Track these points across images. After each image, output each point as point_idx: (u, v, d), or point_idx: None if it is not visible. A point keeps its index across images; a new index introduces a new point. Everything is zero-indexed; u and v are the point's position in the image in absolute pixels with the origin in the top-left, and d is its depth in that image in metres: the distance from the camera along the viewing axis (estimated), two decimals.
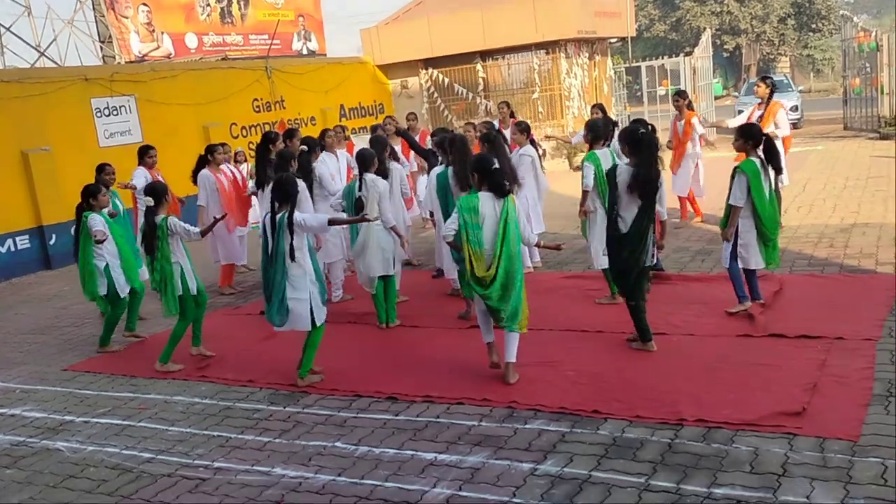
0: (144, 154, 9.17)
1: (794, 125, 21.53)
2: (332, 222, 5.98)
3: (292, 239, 5.65)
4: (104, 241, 7.06)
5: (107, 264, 7.15)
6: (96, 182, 7.70)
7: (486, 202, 5.36)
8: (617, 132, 7.35)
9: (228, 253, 9.35)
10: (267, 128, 16.01)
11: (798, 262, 7.89)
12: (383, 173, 7.39)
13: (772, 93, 9.34)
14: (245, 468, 4.71)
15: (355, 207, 7.02)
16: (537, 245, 5.81)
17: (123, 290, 7.29)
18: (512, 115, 11.24)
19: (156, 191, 6.48)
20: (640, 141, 5.72)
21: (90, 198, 7.22)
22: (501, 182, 5.39)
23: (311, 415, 5.42)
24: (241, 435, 5.21)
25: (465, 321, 7.02)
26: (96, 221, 7.10)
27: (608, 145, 7.22)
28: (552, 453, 4.44)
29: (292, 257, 5.66)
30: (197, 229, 6.63)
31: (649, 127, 6.51)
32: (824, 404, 4.66)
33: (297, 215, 5.72)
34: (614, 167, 5.77)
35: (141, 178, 8.92)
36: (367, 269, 7.08)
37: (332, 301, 8.12)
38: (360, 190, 7.03)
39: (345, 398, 5.65)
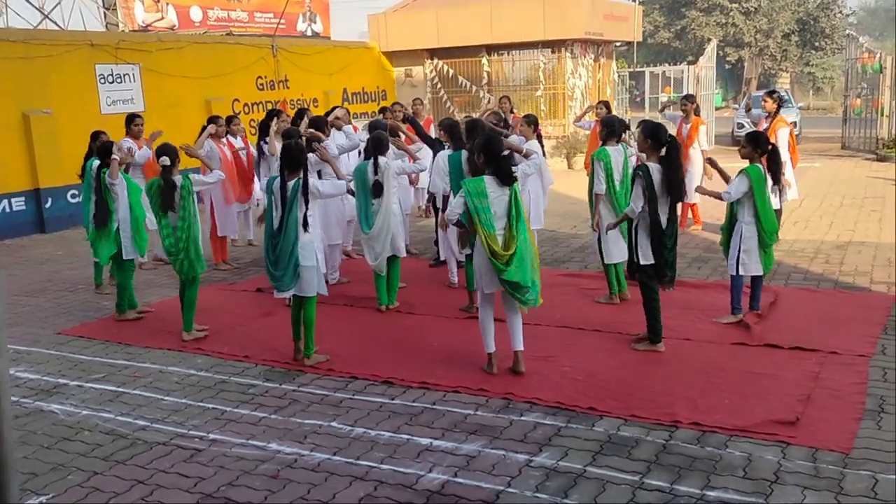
0: (130, 122, 9.11)
1: None
2: (350, 191, 6.11)
3: (307, 208, 5.67)
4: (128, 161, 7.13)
5: (117, 227, 7.15)
6: (91, 149, 7.68)
7: (492, 184, 5.36)
8: (627, 133, 7.40)
9: (223, 225, 9.34)
10: (269, 106, 15.96)
11: (794, 276, 7.96)
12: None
13: (779, 108, 9.37)
14: (240, 442, 4.73)
15: (373, 191, 7.04)
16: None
17: (129, 254, 7.24)
18: (512, 111, 11.29)
19: (169, 149, 6.51)
20: (667, 142, 5.76)
21: (106, 156, 7.21)
22: (508, 170, 5.39)
23: (306, 393, 5.44)
24: (237, 409, 5.22)
25: (463, 313, 7.04)
26: (109, 179, 7.10)
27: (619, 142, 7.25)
28: (547, 446, 4.48)
29: (305, 227, 5.68)
30: (216, 173, 6.91)
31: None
32: (817, 416, 4.73)
33: (313, 182, 5.75)
34: (645, 166, 5.77)
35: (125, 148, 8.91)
36: (383, 251, 7.11)
37: (328, 283, 8.13)
38: (375, 174, 7.05)
39: (340, 379, 5.67)
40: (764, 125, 9.30)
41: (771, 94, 9.57)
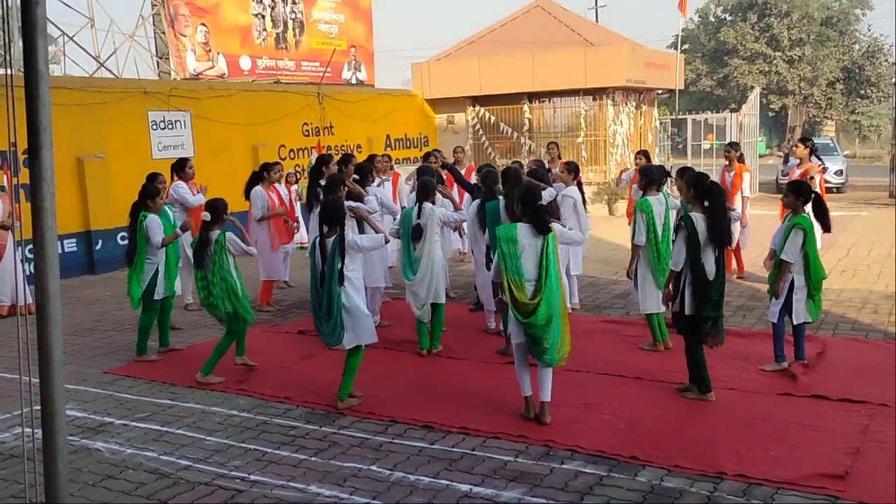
0: (184, 166, 9.32)
1: (838, 189, 21.43)
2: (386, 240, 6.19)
3: (343, 264, 5.73)
4: (165, 244, 7.27)
5: (157, 267, 7.31)
6: (148, 190, 7.83)
7: (524, 233, 5.41)
8: (669, 181, 7.39)
9: (270, 270, 9.49)
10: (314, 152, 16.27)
11: (841, 326, 7.81)
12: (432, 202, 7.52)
13: (811, 154, 9.27)
14: (281, 483, 4.75)
15: (413, 235, 7.13)
16: None
17: (160, 294, 7.39)
18: (560, 157, 11.39)
19: (216, 207, 6.69)
20: (709, 190, 5.76)
21: (149, 199, 7.36)
22: (544, 219, 5.43)
23: (346, 436, 5.46)
24: (278, 450, 5.26)
25: (503, 356, 7.03)
26: (153, 223, 7.23)
27: (660, 191, 7.26)
28: (589, 495, 4.43)
29: (341, 282, 5.74)
30: (251, 248, 6.95)
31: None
32: (867, 469, 4.61)
33: (350, 237, 5.83)
34: (689, 217, 5.75)
35: (188, 193, 9.15)
36: (427, 299, 7.20)
37: None
38: (418, 217, 7.14)
39: (381, 423, 5.68)
40: (796, 172, 9.20)
41: (804, 141, 9.50)
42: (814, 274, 6.27)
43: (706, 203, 5.76)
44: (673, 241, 6.04)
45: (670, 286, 5.97)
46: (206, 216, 6.65)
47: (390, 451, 5.18)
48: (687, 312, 5.80)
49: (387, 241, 6.44)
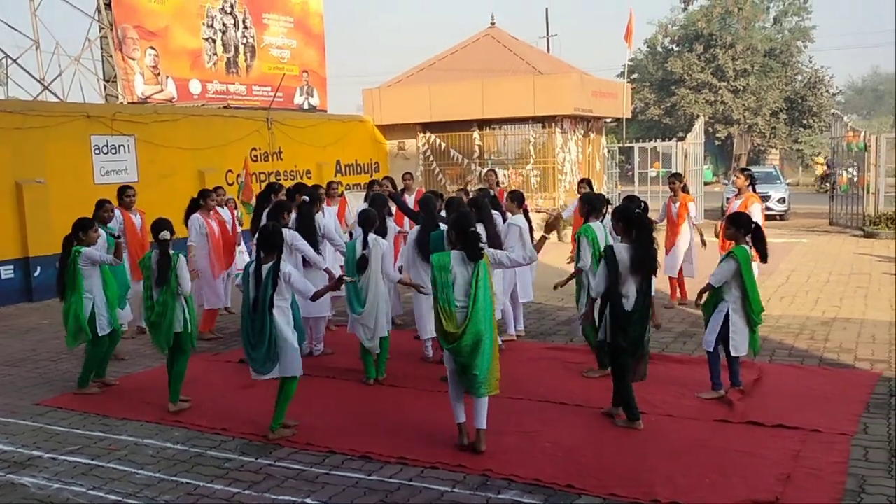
0: (122, 194, 9.25)
1: (781, 217, 21.97)
2: (316, 295, 5.97)
3: (274, 290, 5.67)
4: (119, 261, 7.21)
5: (93, 302, 7.04)
6: (94, 217, 7.66)
7: (457, 261, 5.45)
8: (610, 209, 7.48)
9: (212, 297, 9.35)
10: (263, 177, 16.17)
11: (779, 352, 7.95)
12: (382, 232, 7.49)
13: (750, 185, 9.43)
14: None
15: (358, 266, 7.08)
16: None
17: (104, 329, 7.09)
18: (497, 184, 11.46)
19: (168, 225, 6.68)
20: (636, 220, 5.83)
21: (80, 231, 7.11)
22: (475, 245, 5.45)
23: (282, 468, 5.36)
24: (210, 484, 5.14)
25: (446, 384, 6.98)
26: (94, 255, 7.04)
27: (602, 220, 7.34)
28: None
29: (270, 309, 5.66)
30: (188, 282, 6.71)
31: (642, 204, 6.66)
32: (797, 496, 4.67)
33: (285, 269, 5.76)
34: (611, 247, 5.84)
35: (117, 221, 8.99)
36: (377, 331, 7.16)
37: (312, 355, 8.12)
38: (363, 248, 7.10)
39: (318, 454, 5.60)
40: (735, 203, 9.27)
41: (742, 171, 9.65)
42: (753, 304, 6.34)
43: (633, 233, 5.84)
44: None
45: (592, 312, 6.09)
46: (166, 235, 6.58)
47: (326, 482, 5.10)
48: (600, 337, 5.90)
49: (315, 296, 6.14)
